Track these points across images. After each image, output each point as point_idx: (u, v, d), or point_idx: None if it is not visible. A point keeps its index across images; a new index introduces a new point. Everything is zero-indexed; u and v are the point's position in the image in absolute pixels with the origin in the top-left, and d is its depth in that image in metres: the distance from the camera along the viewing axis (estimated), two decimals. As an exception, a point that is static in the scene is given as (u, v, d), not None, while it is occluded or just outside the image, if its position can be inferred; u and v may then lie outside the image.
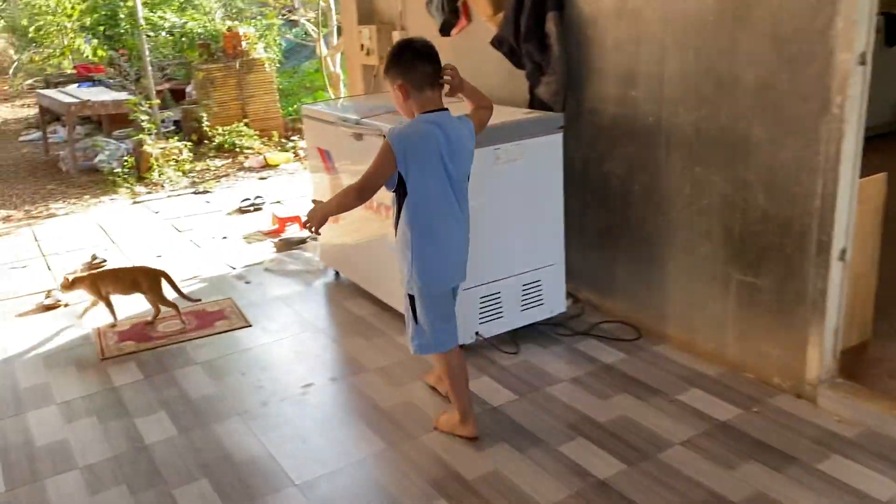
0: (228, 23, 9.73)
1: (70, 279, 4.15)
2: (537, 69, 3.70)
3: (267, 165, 8.62)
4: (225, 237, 5.85)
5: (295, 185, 7.42)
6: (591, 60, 3.64)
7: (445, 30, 4.35)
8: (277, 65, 9.86)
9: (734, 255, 3.18)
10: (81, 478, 2.83)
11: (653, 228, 3.53)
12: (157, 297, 4.16)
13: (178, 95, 10.98)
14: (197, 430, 3.10)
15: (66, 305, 4.57)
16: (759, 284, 3.10)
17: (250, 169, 8.56)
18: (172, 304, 4.18)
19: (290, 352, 3.78)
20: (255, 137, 9.42)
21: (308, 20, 9.51)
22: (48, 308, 4.52)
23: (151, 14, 9.34)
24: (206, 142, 9.31)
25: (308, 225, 2.67)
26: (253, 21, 10.05)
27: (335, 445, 2.98)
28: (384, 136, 2.71)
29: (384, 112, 3.85)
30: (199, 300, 4.39)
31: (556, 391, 3.22)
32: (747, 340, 3.21)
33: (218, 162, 8.85)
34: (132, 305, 4.41)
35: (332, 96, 11.10)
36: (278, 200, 6.84)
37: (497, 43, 3.85)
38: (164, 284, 4.21)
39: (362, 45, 5.03)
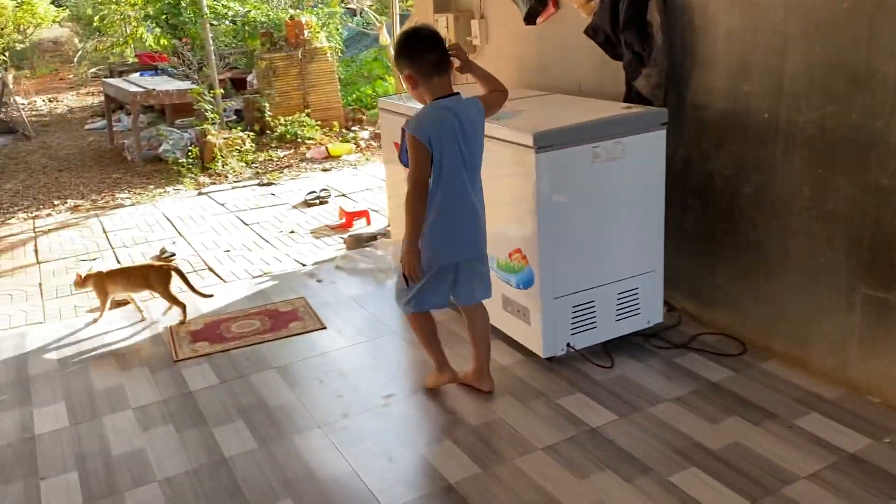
0: (291, 11, 9.58)
1: (83, 276, 4.12)
2: (637, 60, 3.42)
3: (329, 156, 8.47)
4: (292, 231, 5.69)
5: (360, 178, 7.25)
6: (697, 51, 3.34)
7: (531, 18, 4.09)
8: (339, 54, 9.69)
9: (861, 267, 2.88)
10: (161, 492, 2.68)
11: (763, 234, 3.23)
12: (166, 295, 4.05)
13: (239, 85, 10.91)
14: (277, 443, 2.93)
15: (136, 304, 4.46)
16: (891, 301, 2.79)
17: (312, 160, 8.42)
18: (181, 304, 4.07)
19: (367, 358, 3.59)
20: (317, 128, 9.29)
21: (369, 7, 9.31)
22: (118, 304, 4.41)
23: (215, 3, 9.24)
24: (267, 132, 9.21)
25: (411, 276, 2.87)
26: (315, 9, 9.89)
27: (423, 466, 2.77)
28: (403, 129, 2.80)
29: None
30: (212, 295, 4.32)
31: (659, 412, 2.96)
32: (874, 361, 2.91)
33: (280, 152, 8.73)
34: (204, 303, 4.27)
35: (394, 86, 10.91)
36: (343, 193, 6.67)
37: (592, 32, 3.58)
38: (177, 280, 4.18)
39: (438, 35, 4.80)
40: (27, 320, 4.32)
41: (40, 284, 4.92)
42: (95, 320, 4.16)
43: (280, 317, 4.05)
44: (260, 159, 8.47)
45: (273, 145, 8.99)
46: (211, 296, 4.29)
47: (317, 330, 3.88)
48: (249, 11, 9.54)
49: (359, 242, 4.98)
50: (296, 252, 5.20)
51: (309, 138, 9.08)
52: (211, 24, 9.03)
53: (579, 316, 3.28)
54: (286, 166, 8.23)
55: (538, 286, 3.18)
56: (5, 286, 4.94)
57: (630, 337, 3.47)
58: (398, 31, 9.02)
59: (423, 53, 2.73)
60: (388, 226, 5.07)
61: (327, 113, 9.71)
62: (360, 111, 10.16)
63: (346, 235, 5.17)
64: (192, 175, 7.93)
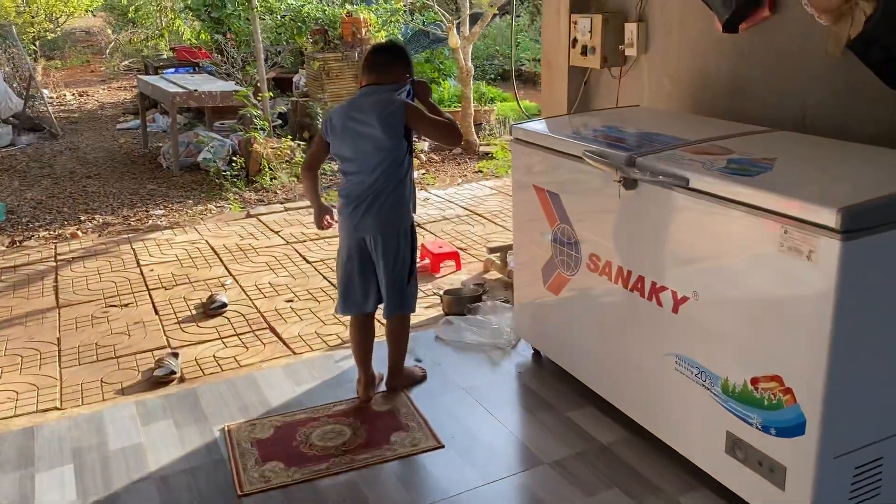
0: (348, 7, 8.43)
1: None
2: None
3: (389, 171, 7.33)
4: (366, 275, 4.55)
5: (432, 203, 6.09)
6: None
7: (733, 23, 2.92)
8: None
9: None
10: None
11: None
12: None
13: (283, 86, 9.78)
14: None
15: (181, 379, 3.35)
16: None
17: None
18: None
19: (516, 507, 2.45)
20: (375, 137, 8.15)
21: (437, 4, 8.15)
22: (160, 382, 3.30)
23: (266, -6, 8.13)
24: (320, 140, 8.07)
25: None
26: (375, 5, 8.74)
27: None
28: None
29: (672, 146, 2.46)
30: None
31: None
32: None
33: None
34: (272, 390, 3.15)
35: (449, 90, 9.75)
36: (417, 223, 5.53)
37: (862, 46, 2.41)
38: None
39: (574, 41, 3.64)
40: (38, 403, 3.22)
41: (59, 340, 3.82)
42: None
43: (376, 421, 2.91)
44: (312, 172, 7.33)
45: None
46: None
47: (431, 450, 2.74)
48: (304, 6, 8.39)
49: (460, 304, 3.82)
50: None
51: (366, 149, 7.93)
52: (261, 20, 7.90)
53: (861, 481, 2.12)
54: (342, 182, 7.09)
55: (813, 438, 2.02)
56: (16, 339, 3.86)
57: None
58: (469, 31, 7.86)
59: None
60: (508, 280, 3.93)
61: (384, 120, 8.57)
62: (419, 119, 9.00)
63: (441, 292, 4.01)
64: (237, 189, 6.83)
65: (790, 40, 2.81)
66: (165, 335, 3.84)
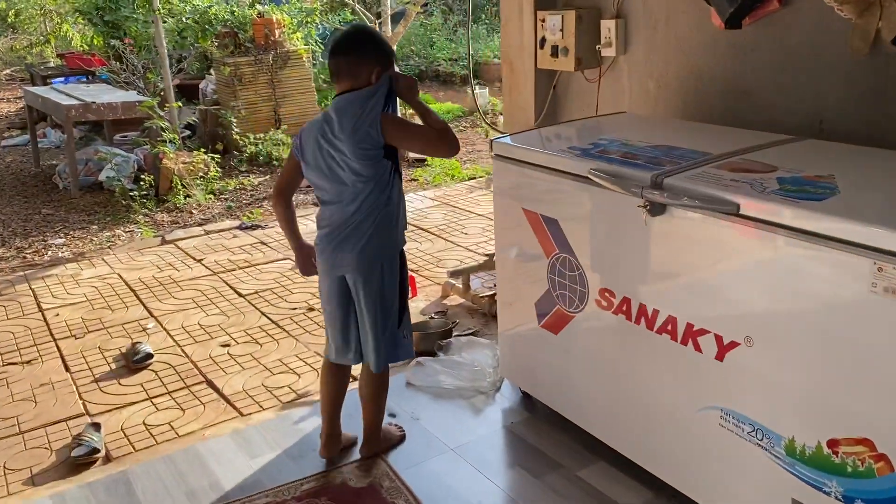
0: (259, 7, 7.80)
1: None
2: None
3: (315, 183, 6.78)
4: (311, 309, 4.03)
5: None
6: None
7: (738, 19, 2.58)
8: (320, 59, 8.00)
9: None
10: None
11: None
12: None
13: (189, 93, 9.01)
14: None
15: (107, 458, 2.75)
16: None
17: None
18: None
19: None
20: (295, 147, 7.56)
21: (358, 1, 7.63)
22: (80, 465, 2.70)
23: (168, -5, 7.41)
24: (234, 153, 7.43)
25: None
26: (286, 5, 8.13)
27: None
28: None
29: (698, 161, 2.09)
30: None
31: None
32: None
33: (254, 178, 6.99)
34: (224, 467, 2.61)
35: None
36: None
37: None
38: None
39: (543, 41, 3.24)
40: (-78, 506, 2.57)
41: (-56, 415, 3.15)
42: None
43: (356, 501, 2.42)
44: (230, 188, 6.71)
45: (243, 169, 7.24)
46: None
47: (429, 536, 2.28)
48: (211, 6, 7.70)
49: (429, 341, 3.37)
50: (329, 347, 3.56)
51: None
52: (164, 22, 7.17)
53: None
54: (265, 198, 6.50)
55: (918, 515, 1.68)
56: None
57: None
58: (391, 31, 7.37)
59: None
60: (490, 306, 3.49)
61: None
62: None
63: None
64: (147, 211, 6.14)
65: (803, 36, 2.49)
66: (81, 399, 3.21)
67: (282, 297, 4.21)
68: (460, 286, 3.95)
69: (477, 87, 10.31)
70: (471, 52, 11.66)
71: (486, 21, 13.96)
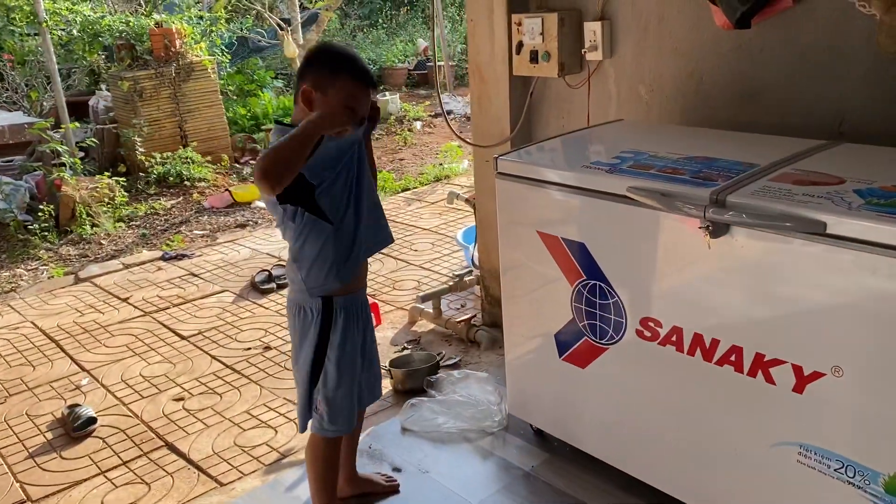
0: (156, 17, 7.18)
1: None
2: None
3: (235, 203, 6.30)
4: (267, 347, 3.63)
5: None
6: None
7: (748, 18, 2.41)
8: (228, 69, 7.46)
9: None
10: None
11: None
12: None
13: (78, 111, 8.20)
14: None
15: (65, 559, 2.29)
16: None
17: (213, 210, 6.21)
18: None
19: None
20: (207, 166, 7.03)
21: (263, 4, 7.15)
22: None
23: (55, 5, 6.65)
24: (141, 174, 6.81)
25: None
26: (181, 14, 7.53)
27: None
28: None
29: (751, 175, 1.88)
30: None
31: None
32: None
33: (165, 202, 6.41)
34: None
35: (271, 104, 8.73)
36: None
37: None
38: None
39: (520, 45, 2.99)
40: None
41: None
42: None
43: (386, 580, 2.09)
44: (140, 214, 6.12)
45: (152, 192, 6.63)
46: None
47: None
48: (104, 17, 6.99)
49: (416, 378, 3.04)
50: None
51: (201, 180, 6.80)
52: (51, 34, 6.45)
53: None
54: (181, 222, 5.96)
55: None
56: None
57: None
58: (302, 37, 6.94)
59: None
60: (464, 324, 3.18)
61: (212, 144, 7.45)
62: (251, 139, 7.95)
63: (387, 363, 3.19)
64: (49, 244, 5.49)
65: (819, 34, 2.35)
66: (17, 481, 2.70)
67: (230, 336, 3.77)
68: (430, 311, 3.65)
69: (386, 93, 10.02)
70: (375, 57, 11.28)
71: (384, 25, 13.66)
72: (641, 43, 2.80)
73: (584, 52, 2.90)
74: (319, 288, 2.05)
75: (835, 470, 1.81)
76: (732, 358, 1.94)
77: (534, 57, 2.98)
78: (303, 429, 2.16)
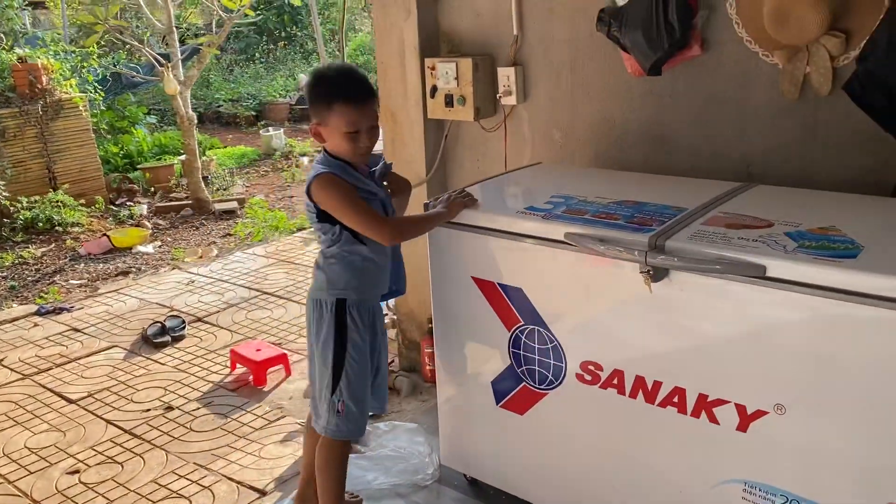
0: (18, 51, 6.69)
1: None
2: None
3: (114, 249, 5.91)
4: (170, 408, 3.37)
5: (199, 285, 4.91)
6: None
7: (659, 65, 2.50)
8: (102, 106, 7.04)
9: None
10: None
11: None
12: None
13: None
14: None
15: None
16: None
17: (91, 257, 5.79)
18: None
19: None
20: (81, 209, 6.56)
21: (141, 40, 6.81)
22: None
23: None
24: (6, 220, 6.26)
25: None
26: (44, 48, 7.06)
27: None
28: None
29: (682, 219, 1.93)
30: None
31: None
32: None
33: (35, 249, 5.91)
34: None
35: (147, 142, 8.36)
36: (197, 317, 4.35)
37: (858, 88, 2.11)
38: None
39: (434, 89, 2.97)
40: None
41: None
42: None
43: None
44: (7, 264, 5.62)
45: (18, 239, 6.11)
46: None
47: None
48: (-41, 51, 6.43)
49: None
50: (219, 463, 2.96)
51: (74, 224, 6.33)
52: None
53: None
54: (55, 271, 5.52)
55: None
56: None
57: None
58: (182, 74, 6.65)
59: None
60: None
61: (84, 185, 7.00)
62: (127, 179, 7.52)
63: (303, 420, 3.03)
64: None
65: (727, 81, 2.47)
66: None
67: (125, 397, 3.48)
68: (344, 358, 3.52)
69: (270, 128, 9.80)
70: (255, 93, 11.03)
71: (262, 60, 13.40)
72: (555, 88, 2.85)
73: (499, 96, 2.92)
74: (339, 291, 2.18)
75: (779, 505, 1.86)
76: (675, 399, 1.97)
77: (449, 101, 2.97)
78: (323, 431, 2.24)
